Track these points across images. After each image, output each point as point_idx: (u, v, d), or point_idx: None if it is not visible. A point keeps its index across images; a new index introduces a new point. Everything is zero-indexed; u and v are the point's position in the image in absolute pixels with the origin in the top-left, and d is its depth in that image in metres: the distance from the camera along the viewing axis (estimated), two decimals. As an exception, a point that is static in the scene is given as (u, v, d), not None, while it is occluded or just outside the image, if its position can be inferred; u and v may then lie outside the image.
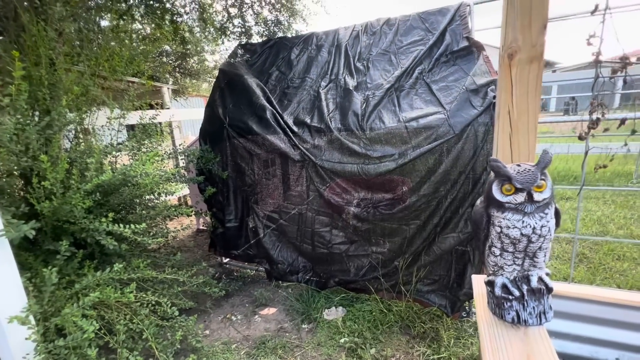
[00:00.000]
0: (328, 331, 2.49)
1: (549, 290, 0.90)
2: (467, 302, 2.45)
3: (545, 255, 0.90)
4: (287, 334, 2.53)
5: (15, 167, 1.86)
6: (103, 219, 1.94)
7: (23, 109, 1.73)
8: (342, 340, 2.38)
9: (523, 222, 0.84)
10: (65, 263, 1.98)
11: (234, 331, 2.61)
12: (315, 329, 2.55)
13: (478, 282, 1.13)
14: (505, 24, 0.99)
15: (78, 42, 2.88)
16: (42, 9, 1.98)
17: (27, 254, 1.95)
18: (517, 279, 0.93)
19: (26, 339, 1.52)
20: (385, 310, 2.58)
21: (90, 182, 1.85)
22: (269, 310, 2.83)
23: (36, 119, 2.02)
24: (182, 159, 3.29)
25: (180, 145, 3.66)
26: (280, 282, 3.19)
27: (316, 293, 2.89)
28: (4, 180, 1.82)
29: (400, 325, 2.49)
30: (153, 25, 4.26)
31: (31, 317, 1.54)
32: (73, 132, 2.56)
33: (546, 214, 0.84)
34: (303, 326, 2.61)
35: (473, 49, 2.46)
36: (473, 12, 2.65)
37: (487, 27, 2.73)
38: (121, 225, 1.97)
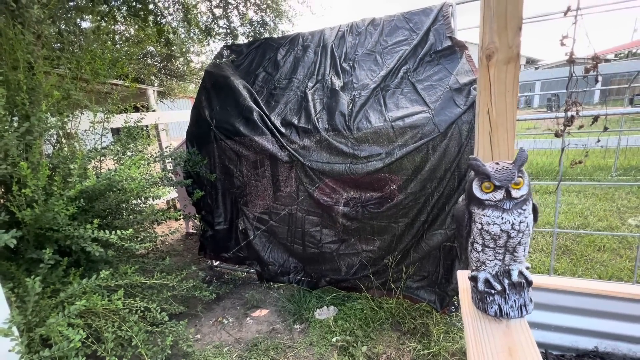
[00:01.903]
0: (320, 330, 2.51)
1: (529, 283, 0.93)
2: (455, 297, 2.50)
3: (524, 250, 0.93)
4: (279, 335, 2.53)
5: (-6, 175, 1.81)
6: (88, 226, 1.90)
7: (1, 114, 1.68)
8: (334, 339, 2.39)
9: (502, 218, 0.86)
10: (50, 271, 1.94)
11: (225, 334, 2.60)
12: (307, 329, 2.56)
13: (463, 277, 1.16)
14: (483, 26, 1.02)
15: (58, 45, 2.81)
16: (19, 11, 1.93)
17: (9, 263, 1.90)
18: (498, 273, 0.96)
19: (10, 350, 1.48)
20: (376, 308, 2.61)
21: (73, 188, 1.81)
22: (261, 312, 2.83)
23: (15, 124, 1.96)
24: (169, 162, 3.25)
25: (167, 148, 3.61)
26: (271, 283, 3.19)
27: (307, 293, 2.90)
28: (-17, 188, 1.77)
29: (391, 322, 2.52)
30: (136, 26, 4.19)
31: (14, 329, 1.51)
32: (55, 137, 2.50)
33: (524, 210, 0.87)
34: (295, 327, 2.62)
35: (456, 49, 2.51)
36: (455, 12, 2.71)
37: (469, 26, 2.79)
38: (107, 231, 1.94)
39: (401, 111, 2.40)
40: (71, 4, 3.42)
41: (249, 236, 3.08)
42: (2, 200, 2.08)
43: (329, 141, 2.52)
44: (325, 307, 2.76)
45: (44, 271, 1.80)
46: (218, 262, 3.72)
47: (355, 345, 2.31)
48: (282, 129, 2.74)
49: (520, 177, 0.86)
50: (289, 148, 2.67)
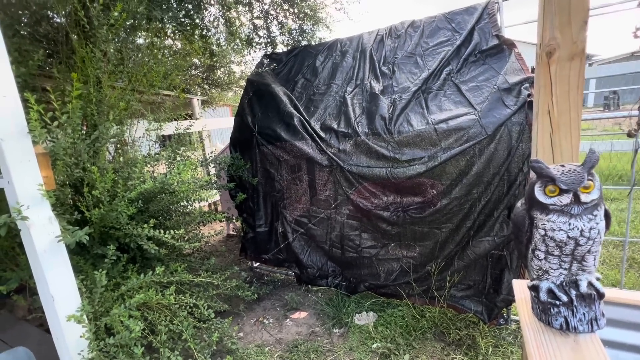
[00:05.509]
0: (359, 336, 2.48)
1: (601, 295, 0.85)
2: (505, 309, 2.35)
3: (595, 259, 0.86)
4: (319, 338, 2.55)
5: (68, 178, 2.03)
6: (145, 225, 2.06)
7: (77, 125, 1.89)
8: (374, 346, 2.36)
9: (570, 224, 0.81)
10: (112, 266, 2.12)
11: (266, 334, 2.66)
12: (347, 334, 2.54)
13: (520, 286, 1.10)
14: (543, 21, 0.97)
15: (118, 60, 3.09)
16: (92, 32, 2.16)
17: (78, 257, 2.11)
18: (564, 283, 0.89)
19: (81, 336, 1.64)
20: (417, 316, 2.53)
21: (134, 190, 1.97)
22: (300, 314, 2.86)
23: (83, 133, 2.19)
24: (213, 167, 3.42)
25: (211, 153, 3.82)
26: (309, 286, 3.22)
27: (346, 297, 2.89)
28: (59, 190, 1.98)
29: (434, 332, 2.43)
30: (184, 40, 4.49)
31: (85, 316, 1.67)
32: (114, 144, 2.75)
33: (595, 215, 0.81)
34: (334, 330, 2.61)
35: (504, 47, 2.40)
36: (502, 9, 2.59)
37: (517, 22, 2.66)
38: (161, 230, 2.08)
39: (445, 113, 2.33)
40: (127, 23, 3.75)
41: (288, 238, 3.14)
42: (72, 201, 2.31)
43: (369, 145, 2.51)
44: (365, 312, 2.72)
45: (108, 266, 1.97)
46: (258, 264, 3.83)
47: (397, 353, 2.26)
48: (322, 134, 2.78)
49: (591, 180, 0.80)
50: (328, 152, 2.69)
